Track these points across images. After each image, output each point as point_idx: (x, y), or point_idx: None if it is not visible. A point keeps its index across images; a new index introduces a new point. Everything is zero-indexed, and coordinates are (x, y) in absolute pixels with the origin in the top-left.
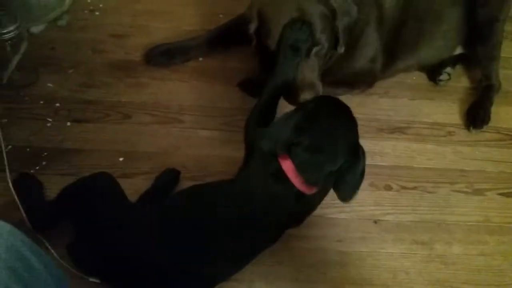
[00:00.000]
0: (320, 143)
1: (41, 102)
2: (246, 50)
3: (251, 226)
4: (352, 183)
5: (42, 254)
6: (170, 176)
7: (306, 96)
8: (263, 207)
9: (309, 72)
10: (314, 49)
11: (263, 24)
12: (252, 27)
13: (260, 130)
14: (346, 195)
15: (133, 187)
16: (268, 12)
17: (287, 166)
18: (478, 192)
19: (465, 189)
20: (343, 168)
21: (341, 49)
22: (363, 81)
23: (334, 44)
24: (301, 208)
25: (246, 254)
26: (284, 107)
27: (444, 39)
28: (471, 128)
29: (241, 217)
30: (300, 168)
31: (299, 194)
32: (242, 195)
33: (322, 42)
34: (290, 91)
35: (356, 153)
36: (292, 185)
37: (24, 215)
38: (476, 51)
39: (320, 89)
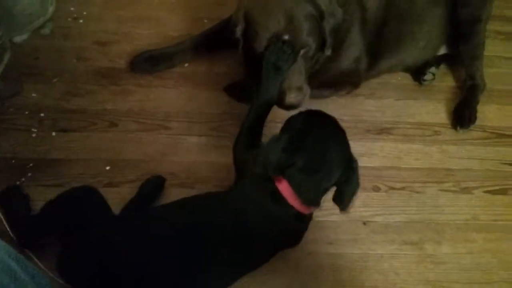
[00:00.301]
0: (315, 162)
1: (26, 112)
2: (231, 54)
3: (244, 244)
4: (350, 193)
5: (28, 265)
6: (155, 184)
7: (293, 99)
8: (259, 226)
9: (296, 74)
10: (302, 51)
11: (250, 27)
12: (239, 30)
13: (251, 154)
14: (346, 205)
15: (120, 196)
16: (255, 14)
17: (284, 188)
18: (466, 190)
19: (452, 188)
20: (340, 182)
21: (328, 51)
22: (349, 82)
23: (321, 46)
24: (300, 227)
25: (239, 269)
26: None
27: (426, 39)
28: (458, 128)
29: (234, 235)
30: (297, 190)
31: (298, 214)
32: (235, 214)
33: (309, 43)
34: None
35: (350, 165)
36: (291, 206)
37: (8, 227)
38: (459, 51)
39: (308, 92)
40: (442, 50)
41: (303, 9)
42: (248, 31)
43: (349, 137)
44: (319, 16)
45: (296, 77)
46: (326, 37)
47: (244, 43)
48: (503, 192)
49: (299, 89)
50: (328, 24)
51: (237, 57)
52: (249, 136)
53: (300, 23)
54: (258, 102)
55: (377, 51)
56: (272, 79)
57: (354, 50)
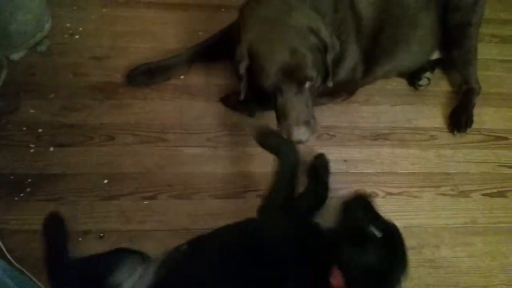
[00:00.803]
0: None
1: (24, 128)
2: (226, 66)
3: None
4: None
5: (23, 281)
6: (56, 226)
7: (301, 136)
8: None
9: (303, 108)
10: (307, 84)
11: (254, 62)
12: (243, 66)
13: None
14: None
15: (119, 209)
16: (259, 49)
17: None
18: (463, 194)
19: (450, 192)
20: None
21: (330, 84)
22: (345, 90)
23: (324, 77)
24: None
25: None
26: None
27: (419, 44)
28: (455, 132)
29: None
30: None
31: None
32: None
33: (315, 76)
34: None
35: None
36: None
37: (2, 246)
38: (451, 55)
39: (316, 127)
40: (436, 55)
41: (308, 42)
42: (253, 66)
43: (345, 144)
44: (323, 49)
45: (303, 111)
46: (329, 69)
47: (250, 78)
48: (501, 194)
49: (307, 123)
50: (330, 56)
51: (233, 69)
52: (285, 202)
53: (305, 56)
54: (284, 172)
55: (372, 58)
56: (286, 143)
57: (350, 61)
